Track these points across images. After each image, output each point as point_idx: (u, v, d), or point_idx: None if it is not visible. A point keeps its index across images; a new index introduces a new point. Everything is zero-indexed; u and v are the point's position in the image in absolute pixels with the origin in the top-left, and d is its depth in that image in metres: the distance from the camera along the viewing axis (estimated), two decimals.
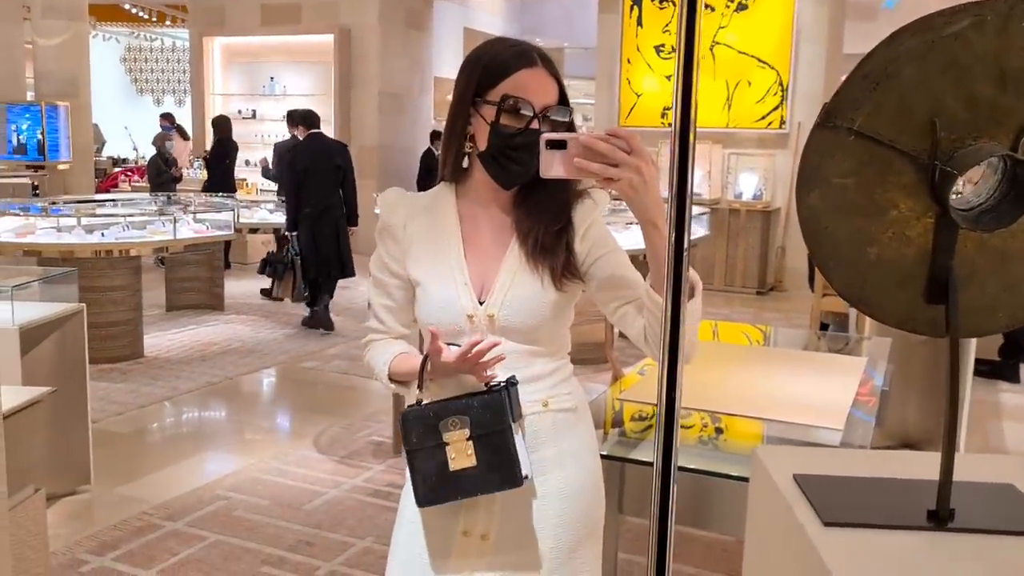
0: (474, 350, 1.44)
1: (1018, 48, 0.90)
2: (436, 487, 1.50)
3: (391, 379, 1.65)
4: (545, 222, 1.56)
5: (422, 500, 1.52)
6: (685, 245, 0.83)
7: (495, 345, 1.47)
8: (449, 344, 1.51)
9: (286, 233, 7.08)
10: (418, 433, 1.50)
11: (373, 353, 1.70)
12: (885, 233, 0.96)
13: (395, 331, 1.70)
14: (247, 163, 10.98)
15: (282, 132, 9.94)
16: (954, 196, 0.95)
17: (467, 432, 1.47)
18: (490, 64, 1.54)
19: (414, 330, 1.73)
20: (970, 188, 1.00)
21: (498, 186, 1.58)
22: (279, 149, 9.15)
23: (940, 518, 0.97)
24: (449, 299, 1.57)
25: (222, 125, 9.79)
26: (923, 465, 1.09)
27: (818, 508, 0.97)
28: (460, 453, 1.48)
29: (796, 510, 0.99)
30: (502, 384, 1.50)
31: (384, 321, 1.69)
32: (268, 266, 7.32)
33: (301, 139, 6.99)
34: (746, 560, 1.20)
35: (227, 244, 8.22)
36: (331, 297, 7.16)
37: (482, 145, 1.55)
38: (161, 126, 10.67)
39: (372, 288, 1.71)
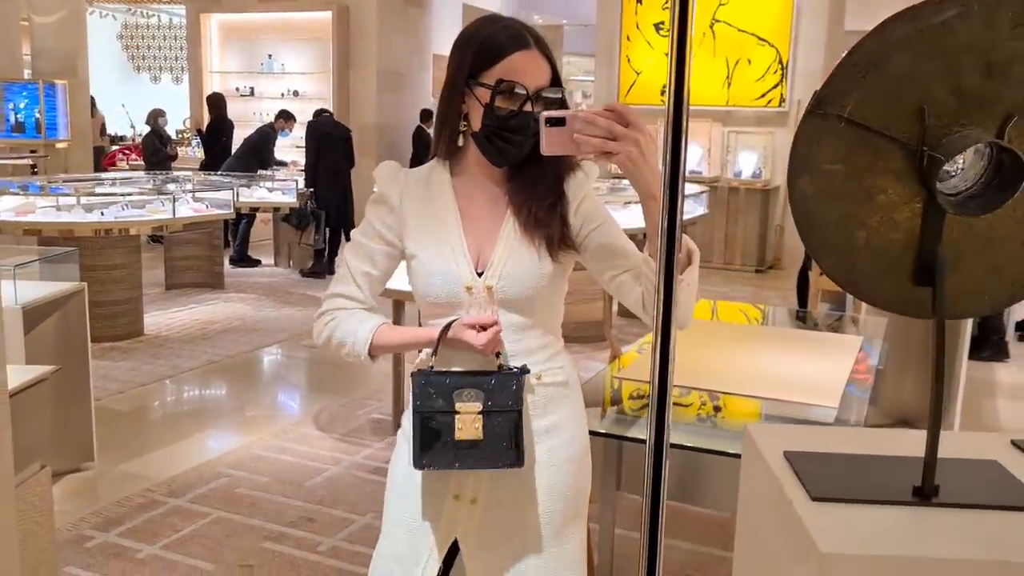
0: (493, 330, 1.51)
1: (1003, 38, 0.93)
2: (437, 453, 1.53)
3: (370, 352, 1.62)
4: (539, 196, 1.59)
5: (419, 463, 1.54)
6: (678, 220, 0.85)
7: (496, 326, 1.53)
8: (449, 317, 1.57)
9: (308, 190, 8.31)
10: (430, 395, 1.53)
11: (345, 322, 1.64)
12: (873, 218, 0.99)
13: (368, 302, 1.67)
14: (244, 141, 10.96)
15: (278, 109, 9.93)
16: (940, 182, 0.97)
17: (479, 406, 1.52)
18: (484, 46, 1.55)
19: (379, 308, 1.71)
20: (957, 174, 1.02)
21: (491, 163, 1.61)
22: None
23: (925, 494, 1.00)
24: (448, 271, 1.59)
25: (217, 103, 9.75)
26: (911, 443, 1.12)
27: (807, 483, 1.01)
28: (468, 425, 1.51)
29: (785, 485, 1.02)
30: (517, 369, 1.56)
31: (362, 287, 1.65)
32: (293, 217, 8.27)
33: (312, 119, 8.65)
34: (738, 533, 1.24)
35: (227, 223, 8.26)
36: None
37: (476, 125, 1.57)
38: None
39: (351, 256, 1.67)
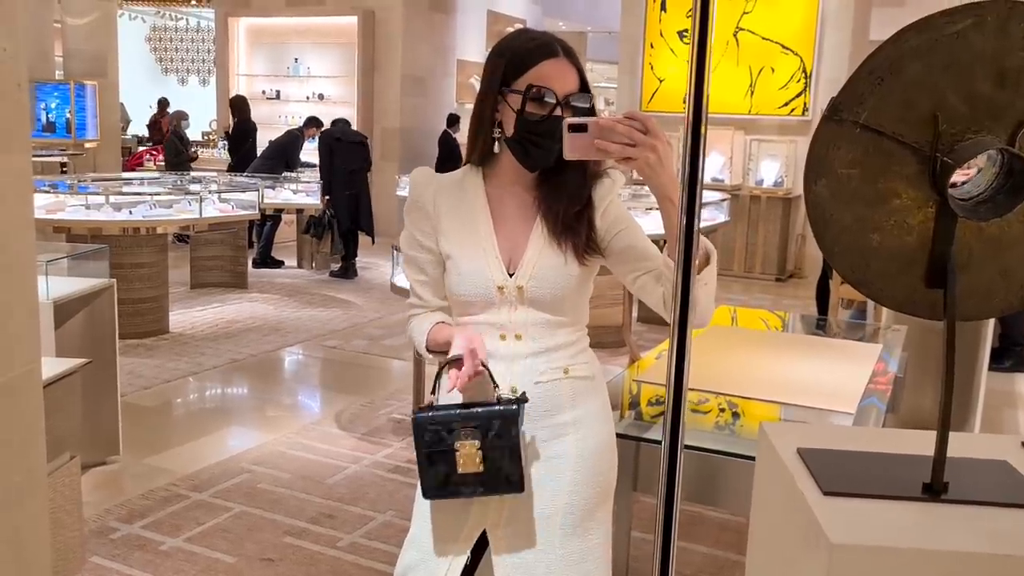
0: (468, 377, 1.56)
1: (1016, 48, 0.96)
2: (442, 486, 1.59)
3: (429, 349, 1.74)
4: (567, 202, 1.66)
5: (427, 494, 1.62)
6: (695, 223, 0.89)
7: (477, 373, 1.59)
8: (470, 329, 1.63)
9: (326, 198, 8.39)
10: (430, 437, 1.58)
11: (413, 327, 1.79)
12: (888, 221, 1.02)
13: (433, 304, 1.78)
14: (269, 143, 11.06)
15: (305, 112, 10.04)
16: (952, 188, 1.00)
17: (478, 443, 1.56)
18: (515, 55, 1.63)
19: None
20: (966, 179, 1.05)
21: (523, 168, 1.67)
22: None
23: (934, 490, 1.03)
24: (480, 271, 1.67)
25: (240, 106, 9.72)
26: (921, 442, 1.15)
27: (818, 478, 1.04)
28: (469, 460, 1.57)
29: (798, 480, 1.05)
30: (515, 398, 1.61)
31: (422, 296, 1.78)
32: (311, 227, 8.42)
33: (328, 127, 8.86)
34: (752, 528, 1.27)
35: (251, 223, 8.36)
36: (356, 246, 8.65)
37: (509, 131, 1.65)
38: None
39: (405, 267, 1.80)
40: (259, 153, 9.43)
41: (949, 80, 0.97)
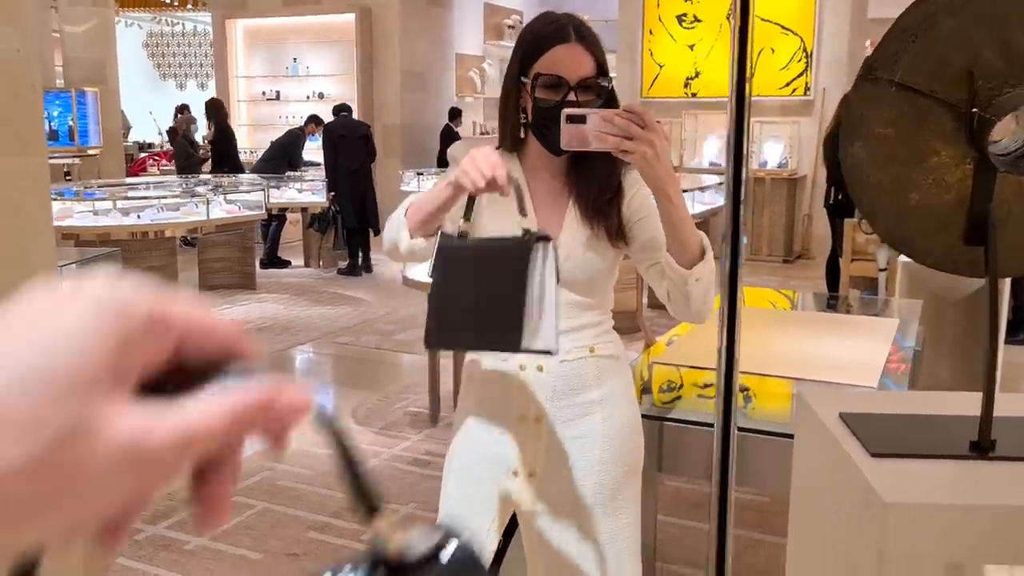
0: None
1: None
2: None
3: (407, 211, 1.66)
4: (598, 187, 1.68)
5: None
6: (740, 206, 0.89)
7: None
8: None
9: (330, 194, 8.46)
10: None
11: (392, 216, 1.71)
12: (926, 180, 1.02)
13: None
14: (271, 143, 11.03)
15: (306, 112, 10.01)
16: (992, 143, 1.00)
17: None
18: (529, 43, 1.65)
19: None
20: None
21: (549, 153, 1.68)
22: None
23: (982, 448, 1.02)
24: None
25: (217, 110, 9.33)
26: (963, 403, 1.15)
27: (864, 441, 1.03)
28: None
29: (844, 444, 1.05)
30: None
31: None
32: (315, 222, 8.50)
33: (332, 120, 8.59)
34: (793, 494, 1.27)
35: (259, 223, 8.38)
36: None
37: (530, 117, 1.66)
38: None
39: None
40: (247, 158, 9.35)
41: (984, 34, 0.97)
